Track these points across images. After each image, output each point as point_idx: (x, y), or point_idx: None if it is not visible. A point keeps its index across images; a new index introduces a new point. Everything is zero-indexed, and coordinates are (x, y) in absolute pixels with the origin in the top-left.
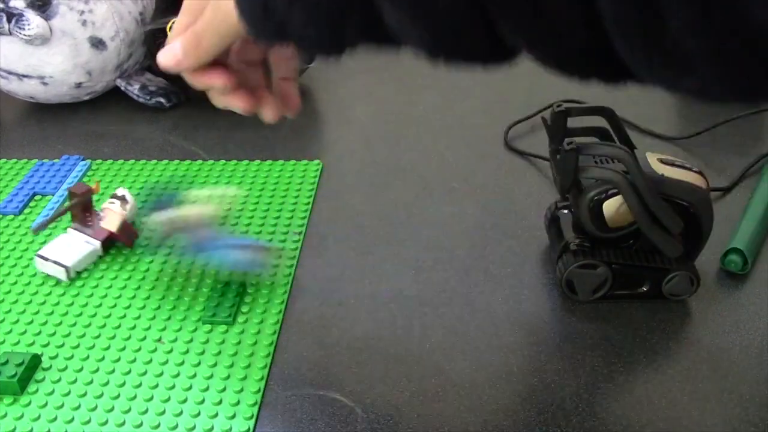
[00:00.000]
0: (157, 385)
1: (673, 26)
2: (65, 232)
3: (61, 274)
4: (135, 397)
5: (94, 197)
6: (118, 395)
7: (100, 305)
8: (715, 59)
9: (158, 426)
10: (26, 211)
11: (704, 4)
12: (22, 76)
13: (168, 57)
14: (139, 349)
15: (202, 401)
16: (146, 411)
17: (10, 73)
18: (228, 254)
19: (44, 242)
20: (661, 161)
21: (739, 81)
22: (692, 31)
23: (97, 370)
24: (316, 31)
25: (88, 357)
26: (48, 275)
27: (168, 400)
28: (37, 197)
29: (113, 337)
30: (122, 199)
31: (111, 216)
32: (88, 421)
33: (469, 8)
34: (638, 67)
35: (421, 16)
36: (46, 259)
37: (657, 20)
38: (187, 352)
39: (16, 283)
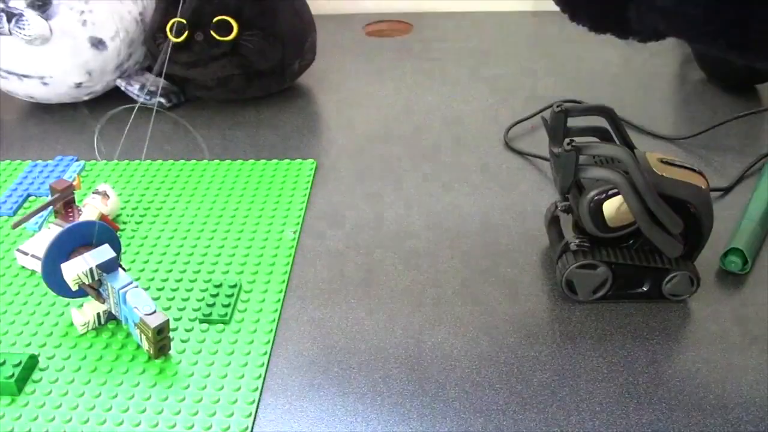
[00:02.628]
0: (155, 384)
1: None
2: (48, 228)
3: (40, 267)
4: (133, 396)
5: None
6: (116, 395)
7: None
8: None
9: (157, 425)
10: (20, 212)
11: None
12: (22, 76)
13: None
14: (137, 348)
15: (200, 399)
16: (144, 410)
17: (10, 73)
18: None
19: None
20: (661, 161)
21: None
22: None
23: (94, 370)
24: None
25: (85, 357)
26: (34, 271)
27: (166, 399)
28: (32, 198)
29: (111, 336)
30: (103, 194)
31: (90, 211)
32: (87, 421)
33: None
34: None
35: None
36: (26, 254)
37: None
38: (184, 351)
39: (11, 284)
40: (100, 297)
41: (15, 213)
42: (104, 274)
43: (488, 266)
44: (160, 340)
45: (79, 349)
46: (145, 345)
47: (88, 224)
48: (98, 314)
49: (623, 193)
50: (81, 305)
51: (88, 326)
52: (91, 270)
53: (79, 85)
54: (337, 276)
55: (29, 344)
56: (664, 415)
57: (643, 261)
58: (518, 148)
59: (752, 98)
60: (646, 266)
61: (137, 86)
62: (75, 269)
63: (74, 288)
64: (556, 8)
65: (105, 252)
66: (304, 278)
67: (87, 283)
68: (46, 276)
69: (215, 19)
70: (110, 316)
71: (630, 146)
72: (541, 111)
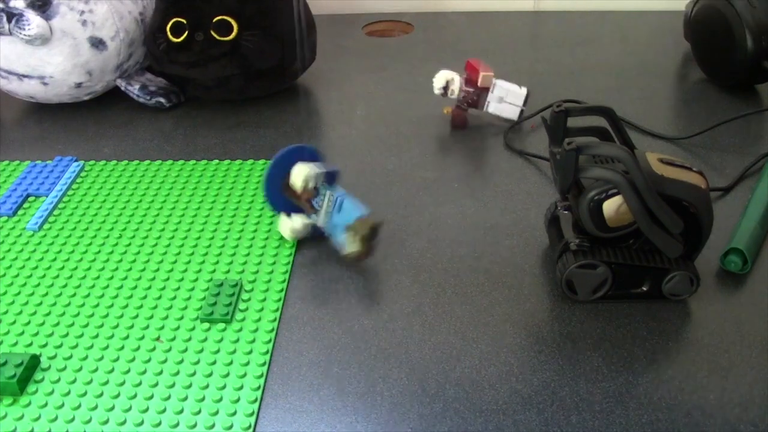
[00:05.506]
0: (157, 384)
1: None
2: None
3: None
4: (135, 395)
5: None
6: (119, 394)
7: (98, 305)
8: None
9: (159, 424)
10: (20, 212)
11: None
12: (22, 76)
13: None
14: (138, 348)
15: (203, 399)
16: (147, 409)
17: (10, 73)
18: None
19: (45, 246)
20: (661, 161)
21: None
22: None
23: (96, 370)
24: None
25: (86, 357)
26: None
27: (168, 398)
28: (31, 198)
29: (111, 337)
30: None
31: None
32: (89, 421)
33: None
34: None
35: None
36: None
37: None
38: (185, 350)
39: (12, 284)
40: (312, 208)
41: (15, 213)
42: (325, 184)
43: (488, 266)
44: (371, 238)
45: (81, 348)
46: (353, 247)
47: (310, 149)
48: (305, 225)
49: (623, 193)
50: (290, 216)
51: (296, 233)
52: (317, 174)
53: (79, 85)
54: (337, 276)
55: (31, 344)
56: (664, 415)
57: (643, 261)
58: (518, 148)
59: (752, 98)
60: (646, 266)
61: (137, 86)
62: (307, 169)
63: (299, 185)
64: (556, 8)
65: (330, 166)
66: (304, 277)
67: (310, 186)
68: (267, 180)
69: (215, 19)
70: (316, 229)
71: (630, 146)
72: (541, 111)
